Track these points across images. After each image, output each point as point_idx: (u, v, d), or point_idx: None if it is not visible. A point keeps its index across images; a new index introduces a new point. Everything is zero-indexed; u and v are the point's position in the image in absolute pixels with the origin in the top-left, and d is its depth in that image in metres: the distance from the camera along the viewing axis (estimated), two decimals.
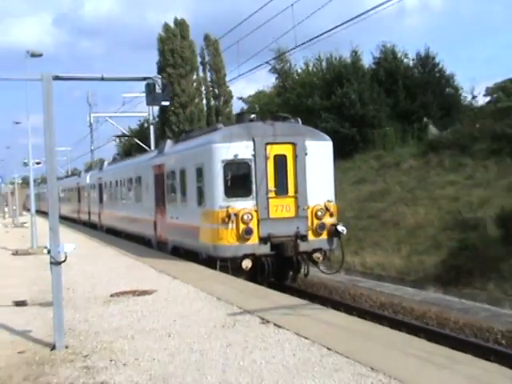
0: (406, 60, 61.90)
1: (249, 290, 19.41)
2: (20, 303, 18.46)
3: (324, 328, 13.95)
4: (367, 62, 63.81)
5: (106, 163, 57.36)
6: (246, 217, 23.28)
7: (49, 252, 13.62)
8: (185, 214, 28.18)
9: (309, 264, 25.04)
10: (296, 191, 24.15)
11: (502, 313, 22.25)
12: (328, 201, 24.70)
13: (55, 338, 13.30)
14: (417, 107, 57.16)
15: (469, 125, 47.85)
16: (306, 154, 24.34)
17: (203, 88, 79.04)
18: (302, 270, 25.39)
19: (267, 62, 58.17)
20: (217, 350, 12.46)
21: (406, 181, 43.36)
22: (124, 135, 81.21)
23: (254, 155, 23.87)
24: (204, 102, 79.44)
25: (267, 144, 24.01)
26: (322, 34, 24.63)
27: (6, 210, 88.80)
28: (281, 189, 24.10)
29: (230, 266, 23.59)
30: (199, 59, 78.95)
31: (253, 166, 23.88)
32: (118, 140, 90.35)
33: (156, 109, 68.68)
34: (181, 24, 77.03)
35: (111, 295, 19.34)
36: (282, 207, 23.99)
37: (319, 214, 24.17)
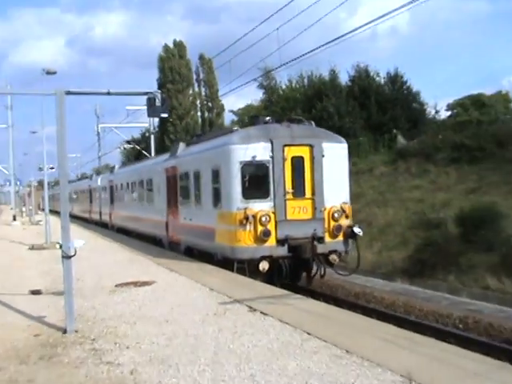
0: (377, 78, 62.17)
1: (238, 281, 19.38)
2: (35, 292, 18.42)
3: (305, 315, 13.95)
4: (344, 79, 64.05)
5: (116, 167, 55.18)
6: (264, 218, 21.07)
7: (61, 247, 13.66)
8: (199, 216, 25.60)
9: (325, 266, 22.38)
10: (313, 193, 21.99)
11: (460, 301, 22.30)
12: (344, 202, 22.51)
13: (66, 323, 13.32)
14: (387, 120, 57.54)
15: (432, 136, 48.35)
16: (323, 156, 22.17)
17: (198, 102, 78.96)
18: (318, 272, 22.88)
19: (255, 79, 58.52)
20: (209, 334, 12.47)
21: (378, 185, 43.70)
22: (128, 143, 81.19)
23: (272, 157, 21.63)
24: (199, 114, 79.37)
25: (285, 146, 21.81)
26: (304, 54, 24.70)
27: (24, 209, 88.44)
28: (298, 190, 21.92)
29: (247, 267, 21.18)
30: (195, 76, 78.95)
31: (270, 168, 21.65)
32: (122, 147, 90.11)
33: (156, 120, 68.63)
34: (179, 45, 77.10)
35: (116, 286, 19.28)
36: (299, 209, 21.82)
37: (336, 215, 21.98)
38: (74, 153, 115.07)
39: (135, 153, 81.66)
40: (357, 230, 22.03)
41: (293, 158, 21.85)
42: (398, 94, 59.84)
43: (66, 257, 13.45)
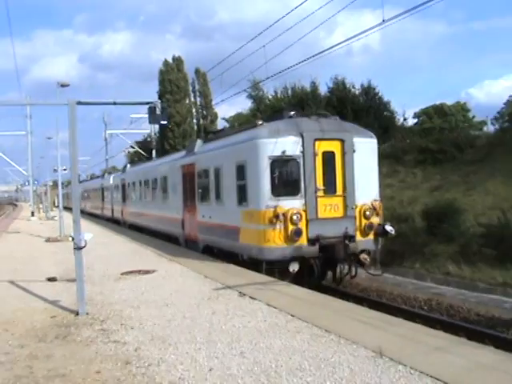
0: (353, 89, 61.99)
1: (230, 270, 19.37)
2: (51, 279, 18.40)
3: (289, 299, 13.99)
4: (323, 90, 63.95)
5: (128, 166, 51.08)
6: (295, 217, 18.22)
7: (73, 239, 13.68)
8: (220, 214, 22.35)
9: (356, 265, 19.49)
10: (344, 190, 19.17)
11: (425, 285, 22.47)
12: (374, 200, 19.77)
13: (78, 306, 13.37)
14: (362, 126, 57.43)
15: (401, 140, 48.57)
16: (354, 151, 19.36)
17: (194, 110, 78.75)
18: (349, 272, 19.88)
19: (245, 90, 58.53)
20: (204, 316, 12.51)
21: None
22: (132, 147, 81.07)
23: (303, 151, 18.73)
24: (194, 121, 79.18)
25: (316, 140, 18.91)
26: (288, 68, 24.74)
27: (41, 206, 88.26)
28: (329, 187, 19.08)
29: (276, 269, 18.47)
30: (191, 87, 78.74)
31: (301, 163, 18.74)
32: (127, 151, 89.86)
33: (157, 127, 68.50)
34: (177, 60, 76.83)
35: (121, 274, 19.29)
36: (330, 207, 19.02)
37: (368, 213, 19.33)
38: (84, 156, 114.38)
39: (138, 156, 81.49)
40: (388, 228, 19.47)
41: (324, 153, 19.12)
42: (371, 103, 59.79)
43: (78, 248, 13.48)
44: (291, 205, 18.47)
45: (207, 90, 77.62)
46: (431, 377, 8.11)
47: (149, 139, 74.72)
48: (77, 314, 13.23)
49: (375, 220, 19.52)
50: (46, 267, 21.54)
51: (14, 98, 71.83)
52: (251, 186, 19.44)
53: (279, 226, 18.27)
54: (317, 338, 10.48)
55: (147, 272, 19.36)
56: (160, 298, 14.79)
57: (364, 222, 19.28)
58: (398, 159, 42.95)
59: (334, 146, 19.25)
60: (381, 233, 19.48)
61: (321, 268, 19.10)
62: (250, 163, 19.49)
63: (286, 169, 19.14)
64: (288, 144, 18.72)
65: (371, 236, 19.45)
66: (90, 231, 16.37)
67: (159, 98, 68.33)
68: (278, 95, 68.44)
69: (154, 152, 64.71)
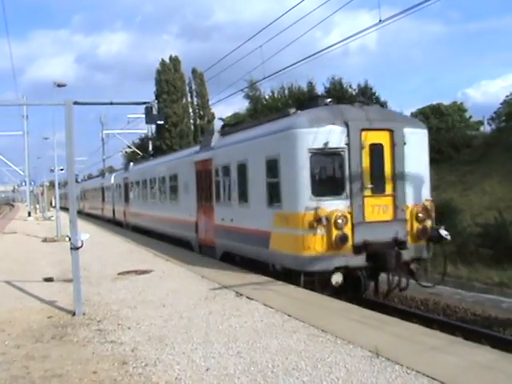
0: (350, 89, 61.99)
1: (226, 270, 19.39)
2: (48, 279, 18.41)
3: (286, 300, 14.00)
4: (320, 90, 63.93)
5: (131, 164, 47.13)
6: (340, 220, 15.66)
7: (69, 239, 13.70)
8: (245, 216, 19.64)
9: (407, 276, 16.87)
10: (394, 188, 16.60)
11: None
12: (426, 200, 17.18)
13: (75, 306, 13.38)
14: None
15: None
16: (405, 144, 16.74)
17: (190, 110, 78.75)
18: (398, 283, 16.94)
19: (241, 90, 58.27)
20: (201, 316, 12.52)
21: None
22: (129, 147, 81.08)
23: (348, 143, 16.13)
24: (191, 121, 79.18)
25: (362, 130, 16.32)
26: (285, 68, 24.73)
27: (37, 206, 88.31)
28: (377, 185, 16.50)
29: (317, 281, 16.02)
30: (187, 88, 78.78)
31: (346, 157, 16.13)
32: (124, 151, 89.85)
33: (153, 127, 68.55)
34: (174, 60, 76.86)
35: (118, 274, 19.30)
36: (378, 208, 16.45)
37: (420, 215, 16.70)
38: (81, 156, 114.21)
39: (135, 156, 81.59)
40: (444, 232, 16.83)
41: (371, 146, 16.50)
42: (368, 103, 59.95)
43: (74, 248, 13.50)
44: (334, 206, 15.97)
45: (204, 90, 77.65)
46: (428, 376, 8.12)
47: (146, 139, 74.72)
48: (73, 314, 13.24)
49: (428, 223, 16.89)
50: (42, 267, 21.54)
51: (10, 98, 71.98)
52: (286, 184, 16.80)
53: (321, 231, 15.72)
54: (313, 337, 10.49)
55: (144, 272, 19.37)
56: (157, 298, 14.79)
57: (416, 225, 16.68)
58: None
59: (383, 138, 16.71)
60: (435, 238, 16.93)
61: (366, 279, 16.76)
62: (285, 157, 16.81)
63: (328, 164, 16.63)
64: (331, 135, 16.13)
65: (423, 242, 16.87)
66: (87, 231, 16.41)
67: (156, 98, 68.41)
68: (275, 95, 68.47)
69: (150, 152, 64.70)
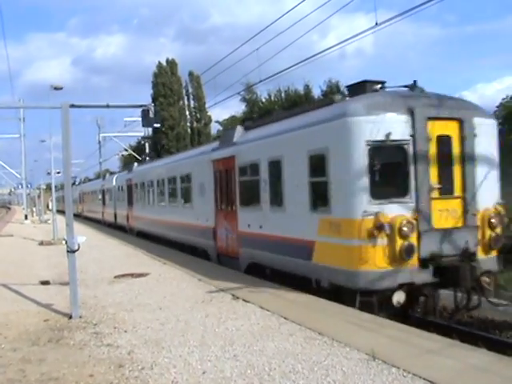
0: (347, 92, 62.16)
1: (223, 272, 19.37)
2: (45, 282, 18.40)
3: (282, 302, 13.97)
4: (317, 93, 64.12)
5: (135, 164, 44.60)
6: (406, 228, 13.04)
7: (66, 242, 13.70)
8: (279, 222, 16.82)
9: (480, 292, 14.15)
10: (464, 190, 13.92)
11: None
12: (498, 203, 14.49)
13: (72, 309, 13.38)
14: None
15: None
16: (475, 136, 14.03)
17: (187, 113, 78.78)
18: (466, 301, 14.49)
19: (238, 93, 58.51)
20: (197, 319, 12.51)
21: None
22: (126, 150, 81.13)
23: (414, 135, 13.38)
24: (188, 124, 79.22)
25: (428, 119, 13.57)
26: (281, 71, 24.91)
27: (34, 209, 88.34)
28: (445, 186, 13.79)
29: (376, 301, 13.24)
30: (184, 90, 78.82)
31: (411, 152, 13.40)
32: (120, 154, 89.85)
33: (150, 130, 68.63)
34: (171, 63, 76.92)
35: (115, 277, 19.28)
36: (446, 213, 13.73)
37: (493, 221, 14.04)
38: (77, 159, 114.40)
39: (132, 159, 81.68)
40: None
41: (438, 138, 13.80)
42: None
43: (71, 251, 13.50)
44: (398, 210, 13.31)
45: (201, 93, 77.66)
46: (424, 379, 8.12)
47: (142, 142, 74.79)
48: (70, 317, 13.23)
49: (500, 230, 14.35)
50: (39, 270, 21.51)
51: (7, 100, 72.21)
52: (338, 184, 13.99)
53: (382, 240, 13.08)
54: (310, 340, 10.49)
55: (141, 275, 19.34)
56: (153, 301, 14.78)
57: (488, 233, 14.09)
58: None
59: (451, 129, 14.00)
60: (509, 248, 14.55)
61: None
62: (336, 152, 13.99)
63: (390, 159, 13.79)
64: (394, 124, 13.47)
65: (495, 252, 14.36)
66: (84, 234, 16.40)
67: (153, 101, 68.62)
68: (272, 98, 68.64)
69: (147, 155, 64.73)
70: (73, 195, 63.40)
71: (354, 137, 13.46)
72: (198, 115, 78.88)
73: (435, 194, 13.64)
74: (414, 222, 13.25)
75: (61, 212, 56.26)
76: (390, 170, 13.71)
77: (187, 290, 16.23)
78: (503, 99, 56.02)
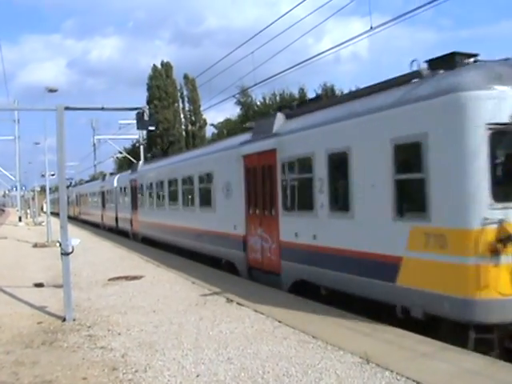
0: None
1: (217, 275, 19.36)
2: (38, 285, 18.37)
3: (276, 306, 13.94)
4: (311, 97, 64.21)
5: (140, 163, 40.11)
6: None
7: (60, 245, 13.68)
8: (345, 232, 13.33)
9: None
10: None
11: None
12: None
13: (65, 312, 13.35)
14: None
15: None
16: None
17: (182, 116, 78.88)
18: None
19: (233, 96, 58.68)
20: (191, 322, 12.50)
21: None
22: (120, 153, 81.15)
23: None
24: (183, 127, 79.30)
25: None
26: (276, 74, 24.92)
27: (28, 211, 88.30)
28: None
29: (496, 339, 10.09)
30: (179, 93, 78.91)
31: None
32: (115, 157, 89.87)
33: (145, 132, 68.64)
34: (166, 65, 77.19)
35: (109, 279, 19.26)
36: None
37: None
38: (72, 161, 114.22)
39: (126, 161, 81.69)
40: None
41: None
42: None
43: (65, 254, 13.48)
44: None
45: (196, 96, 77.86)
46: (418, 383, 8.13)
47: (137, 145, 74.84)
48: (64, 319, 13.20)
49: None
50: (33, 273, 21.48)
51: (1, 102, 72.38)
52: (442, 182, 10.72)
53: (508, 258, 10.02)
54: (304, 344, 10.49)
55: (135, 278, 19.33)
56: (147, 304, 14.76)
57: None
58: None
59: None
60: None
61: None
62: (440, 139, 10.76)
63: None
64: None
65: None
66: (78, 237, 16.38)
67: (147, 103, 68.69)
68: (267, 101, 68.77)
69: (142, 158, 64.74)
70: (69, 197, 62.63)
71: (469, 118, 10.30)
72: (193, 118, 79.04)
73: None
74: None
75: (55, 214, 56.15)
76: None
77: (181, 293, 16.21)
78: None
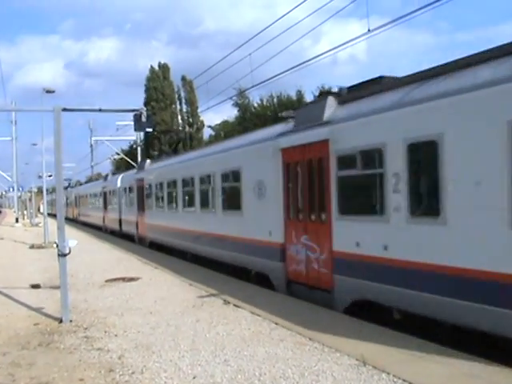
0: None
1: (214, 277, 19.36)
2: (35, 286, 18.34)
3: (273, 308, 13.92)
4: (309, 99, 64.16)
5: (148, 161, 35.83)
6: None
7: (57, 246, 13.66)
8: (435, 243, 10.57)
9: None
10: None
11: None
12: None
13: (62, 313, 13.32)
14: None
15: None
16: None
17: (179, 118, 78.82)
18: None
19: (230, 98, 58.70)
20: (188, 324, 12.50)
21: None
22: (118, 154, 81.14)
23: None
24: (180, 128, 79.22)
25: None
26: (274, 76, 24.85)
27: (25, 212, 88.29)
28: None
29: None
30: (177, 95, 78.88)
31: None
32: (112, 158, 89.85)
33: (142, 134, 68.65)
34: (163, 67, 77.15)
35: (106, 281, 19.24)
36: None
37: None
38: (69, 162, 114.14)
39: (124, 163, 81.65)
40: None
41: None
42: None
43: (62, 255, 13.46)
44: None
45: (193, 98, 77.74)
46: None
47: (134, 147, 74.82)
48: (60, 321, 13.18)
49: None
50: (29, 274, 21.45)
51: None
52: None
53: None
54: (300, 346, 10.49)
55: (132, 279, 19.31)
56: (144, 306, 14.75)
57: None
58: None
59: None
60: None
61: None
62: None
63: None
64: None
65: None
66: (75, 238, 16.35)
67: (145, 105, 68.59)
68: (264, 103, 68.74)
69: (139, 159, 64.68)
70: (68, 198, 62.29)
71: None
72: (191, 120, 78.94)
73: None
74: None
75: (53, 215, 56.03)
76: None
77: (178, 295, 16.20)
78: None
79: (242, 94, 64.14)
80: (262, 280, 17.36)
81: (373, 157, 12.23)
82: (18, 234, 46.57)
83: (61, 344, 11.32)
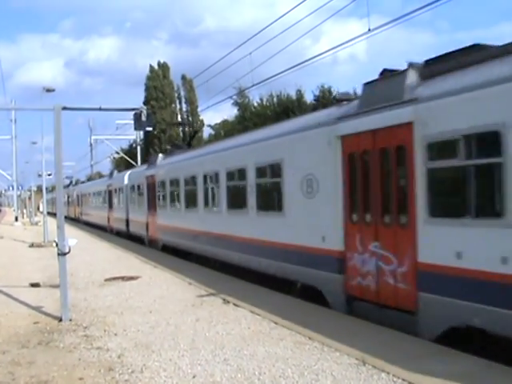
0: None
1: (214, 276, 19.35)
2: (35, 285, 18.33)
3: (273, 307, 13.91)
4: (309, 98, 64.18)
5: (160, 156, 32.21)
6: None
7: (57, 245, 13.66)
8: None
9: None
10: None
11: None
12: None
13: (62, 312, 13.32)
14: None
15: None
16: None
17: (179, 117, 78.86)
18: None
19: (230, 97, 58.62)
20: (188, 323, 12.49)
21: None
22: (117, 153, 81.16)
23: None
24: (180, 128, 79.25)
25: None
26: (274, 76, 24.84)
27: (25, 211, 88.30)
28: None
29: None
30: (176, 94, 78.93)
31: None
32: (112, 157, 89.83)
33: (142, 133, 68.66)
34: (163, 66, 77.28)
35: (105, 280, 19.24)
36: None
37: None
38: (69, 161, 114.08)
39: (123, 162, 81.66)
40: None
41: None
42: None
43: (62, 254, 13.46)
44: None
45: (193, 97, 77.81)
46: None
47: (134, 145, 74.86)
48: (60, 320, 13.18)
49: None
50: (29, 273, 21.43)
51: None
52: None
53: None
54: (300, 345, 10.49)
55: (131, 278, 19.31)
56: (144, 305, 14.74)
57: None
58: None
59: None
60: None
61: None
62: None
63: None
64: None
65: None
66: (75, 237, 16.37)
67: (145, 104, 68.58)
68: (264, 103, 68.72)
69: (139, 158, 64.72)
70: (70, 196, 61.85)
71: None
72: (191, 119, 78.97)
73: None
74: None
75: (53, 214, 55.96)
76: None
77: (178, 294, 16.20)
78: None
79: (241, 93, 64.12)
80: (311, 295, 14.52)
81: (485, 142, 9.59)
82: (18, 233, 46.56)
83: (60, 343, 11.32)
